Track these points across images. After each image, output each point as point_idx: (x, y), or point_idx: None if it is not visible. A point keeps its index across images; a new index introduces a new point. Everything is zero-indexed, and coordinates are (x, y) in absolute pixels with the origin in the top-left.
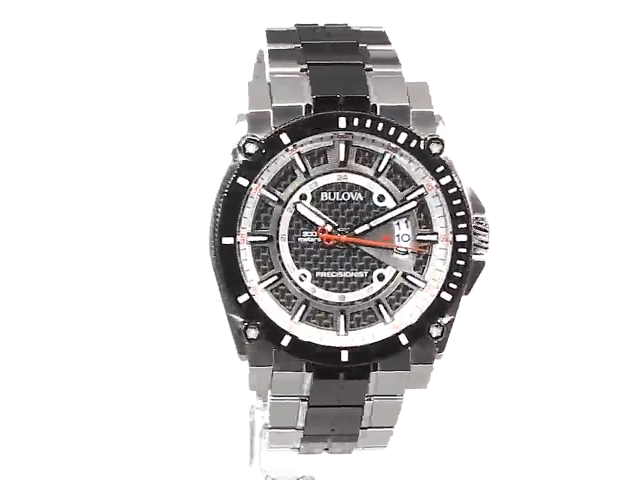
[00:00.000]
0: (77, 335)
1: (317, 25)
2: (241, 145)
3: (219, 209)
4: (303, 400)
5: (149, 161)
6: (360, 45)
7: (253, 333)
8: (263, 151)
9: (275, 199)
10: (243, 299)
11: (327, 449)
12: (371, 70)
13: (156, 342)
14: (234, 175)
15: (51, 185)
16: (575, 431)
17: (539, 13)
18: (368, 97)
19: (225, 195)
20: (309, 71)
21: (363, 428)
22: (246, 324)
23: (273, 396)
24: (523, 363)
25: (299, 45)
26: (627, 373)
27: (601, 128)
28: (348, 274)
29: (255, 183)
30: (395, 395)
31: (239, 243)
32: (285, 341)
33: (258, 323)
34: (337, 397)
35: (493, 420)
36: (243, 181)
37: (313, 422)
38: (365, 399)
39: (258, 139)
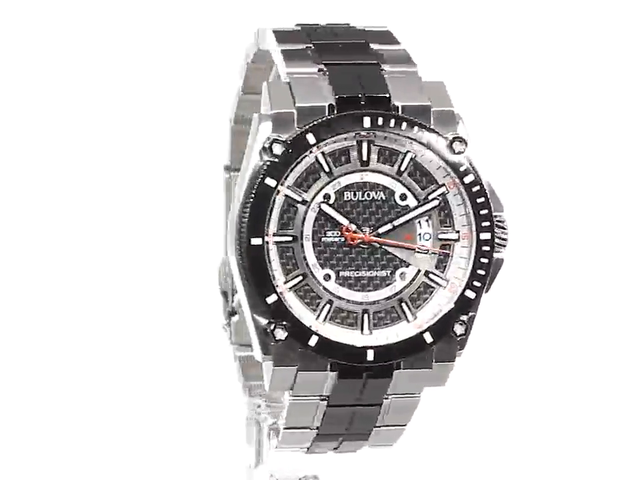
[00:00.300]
0: (74, 335)
1: (318, 24)
2: (267, 146)
3: (247, 210)
4: (322, 399)
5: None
6: (370, 45)
7: (280, 334)
8: (290, 151)
9: (299, 199)
10: (271, 299)
11: (335, 448)
12: (387, 69)
13: (152, 342)
14: (261, 176)
15: (50, 186)
16: (583, 428)
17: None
18: (390, 97)
19: (253, 195)
20: (327, 71)
21: (376, 426)
22: (274, 324)
23: (294, 396)
24: (531, 361)
25: (310, 45)
26: None
27: (604, 124)
28: (371, 273)
29: (282, 183)
30: (414, 394)
31: (267, 243)
32: (312, 340)
33: (285, 323)
34: (358, 396)
35: (500, 419)
36: (270, 182)
37: (330, 421)
38: (384, 397)
39: (284, 139)
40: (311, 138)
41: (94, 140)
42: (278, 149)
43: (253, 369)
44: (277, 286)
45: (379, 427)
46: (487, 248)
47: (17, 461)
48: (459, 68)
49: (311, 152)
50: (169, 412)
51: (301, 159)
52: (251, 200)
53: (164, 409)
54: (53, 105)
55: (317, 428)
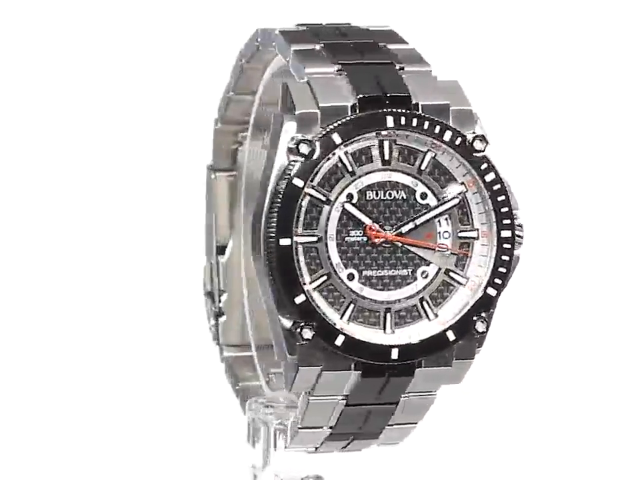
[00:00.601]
0: (55, 339)
1: (320, 24)
2: (294, 146)
3: (275, 210)
4: (342, 399)
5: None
6: (379, 44)
7: (308, 334)
8: (316, 151)
9: (324, 198)
10: (299, 299)
11: (343, 447)
12: (403, 69)
13: (134, 343)
14: (289, 176)
15: (29, 186)
16: (586, 428)
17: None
18: (410, 96)
19: (281, 196)
20: (345, 71)
21: (389, 425)
22: (301, 324)
23: (315, 396)
24: (533, 360)
25: (322, 45)
26: None
27: (605, 122)
28: (393, 272)
29: (308, 183)
30: (431, 392)
31: (296, 242)
32: (339, 340)
33: (312, 323)
34: (377, 395)
35: (505, 419)
36: (298, 182)
37: (345, 420)
38: (402, 396)
39: (311, 139)
40: (336, 138)
41: (79, 139)
42: (305, 149)
43: (243, 370)
44: (304, 285)
45: (391, 425)
46: (507, 245)
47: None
48: (456, 66)
49: (334, 152)
50: (158, 415)
51: (327, 159)
52: (280, 200)
53: (153, 411)
54: (35, 102)
55: (332, 427)
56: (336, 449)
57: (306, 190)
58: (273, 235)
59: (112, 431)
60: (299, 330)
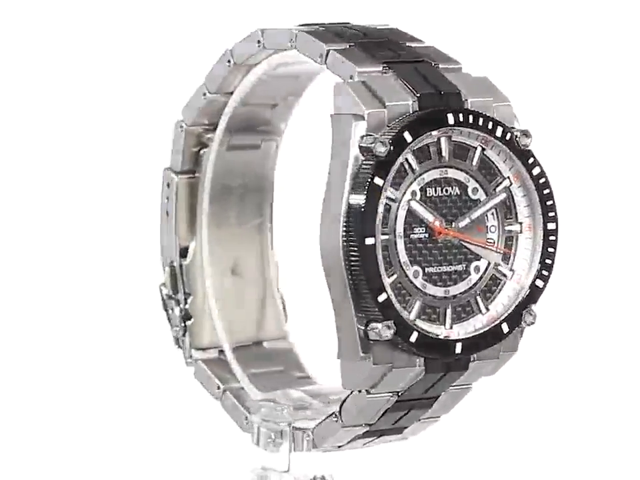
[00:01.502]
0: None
1: (324, 23)
2: (368, 145)
3: (360, 210)
4: (393, 395)
5: None
6: (400, 43)
7: (387, 332)
8: (391, 150)
9: (393, 197)
10: (382, 297)
11: (365, 444)
12: (438, 67)
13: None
14: (370, 175)
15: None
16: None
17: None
18: (462, 93)
19: (365, 195)
20: (392, 70)
21: (418, 420)
22: (381, 323)
23: (374, 394)
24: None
25: (352, 44)
26: None
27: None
28: (450, 268)
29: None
30: (469, 384)
31: (380, 241)
32: (413, 337)
33: (391, 320)
34: (426, 390)
35: (511, 419)
36: (378, 181)
37: (387, 417)
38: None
39: (388, 139)
40: (407, 136)
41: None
42: (382, 149)
43: (218, 372)
44: (385, 285)
45: (420, 420)
46: (553, 238)
47: None
48: None
49: (406, 150)
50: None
51: (399, 158)
52: (364, 200)
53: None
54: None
55: (370, 425)
56: (359, 447)
57: (384, 189)
58: (357, 234)
59: (89, 444)
60: (378, 329)
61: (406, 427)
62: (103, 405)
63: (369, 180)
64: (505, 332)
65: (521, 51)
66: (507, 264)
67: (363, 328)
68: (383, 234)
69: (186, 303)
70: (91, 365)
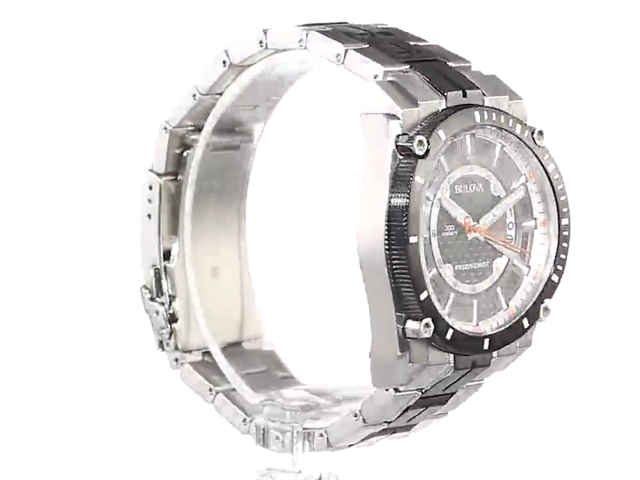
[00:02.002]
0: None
1: (326, 23)
2: (407, 145)
3: (402, 209)
4: (420, 392)
5: None
6: (410, 43)
7: (427, 330)
8: (428, 148)
9: (428, 194)
10: (424, 295)
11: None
12: (452, 66)
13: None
14: (411, 175)
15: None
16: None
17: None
18: (482, 91)
19: (408, 195)
20: (414, 69)
21: (429, 416)
22: (420, 320)
23: (403, 391)
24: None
25: (367, 45)
26: None
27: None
28: (475, 265)
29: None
30: (482, 380)
31: (424, 239)
32: (449, 334)
33: (430, 318)
34: (448, 386)
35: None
36: (419, 180)
37: (406, 415)
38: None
39: (425, 137)
40: (442, 134)
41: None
42: (421, 147)
43: (208, 374)
44: (426, 282)
45: (430, 417)
46: (566, 233)
47: None
48: None
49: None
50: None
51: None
52: (407, 199)
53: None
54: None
55: (388, 422)
56: (369, 444)
57: (424, 187)
58: (401, 233)
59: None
60: (418, 327)
61: (415, 424)
62: (89, 411)
63: (411, 179)
64: (525, 327)
65: (506, 49)
66: (524, 260)
67: (402, 326)
68: (425, 232)
69: (171, 305)
70: (74, 369)
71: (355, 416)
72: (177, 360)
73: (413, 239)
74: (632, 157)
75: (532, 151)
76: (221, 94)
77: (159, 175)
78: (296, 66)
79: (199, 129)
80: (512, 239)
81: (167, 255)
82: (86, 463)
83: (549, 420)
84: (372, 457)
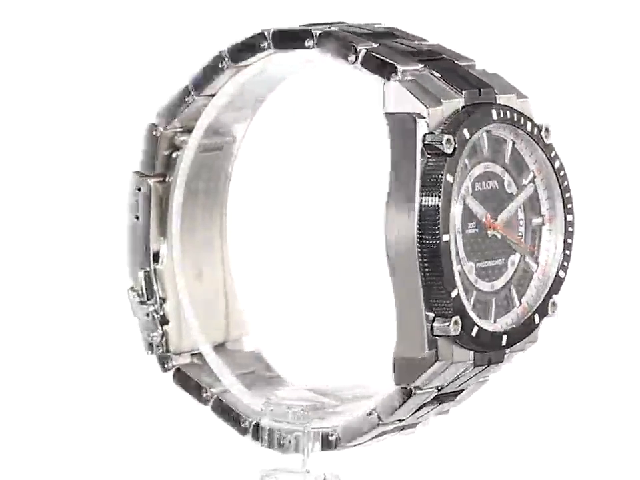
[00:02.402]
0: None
1: (328, 22)
2: (436, 143)
3: (434, 208)
4: (436, 389)
5: None
6: (414, 42)
7: (456, 328)
8: (455, 147)
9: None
10: (454, 293)
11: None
12: (461, 64)
13: None
14: (441, 174)
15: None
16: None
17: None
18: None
19: (440, 193)
20: (430, 68)
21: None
22: (451, 318)
23: (423, 389)
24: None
25: (377, 45)
26: None
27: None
28: (493, 262)
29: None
30: (487, 377)
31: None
32: (474, 331)
33: (459, 316)
34: (462, 383)
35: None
36: (450, 178)
37: (419, 412)
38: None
39: (451, 136)
40: (466, 133)
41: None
42: (449, 146)
43: (201, 376)
44: (456, 280)
45: (436, 413)
46: (570, 229)
47: None
48: None
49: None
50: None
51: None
52: (439, 198)
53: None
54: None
55: (400, 420)
56: (375, 443)
57: (454, 186)
58: (433, 231)
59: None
60: (448, 324)
61: (419, 422)
62: (89, 413)
63: (441, 178)
64: (537, 323)
65: (494, 48)
66: (533, 256)
67: (430, 324)
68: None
69: (162, 307)
70: (62, 377)
71: (369, 414)
72: (167, 363)
73: (445, 237)
74: (631, 156)
75: (541, 148)
76: (213, 95)
77: (147, 176)
78: (291, 66)
79: (188, 130)
80: (522, 236)
81: (156, 257)
82: (86, 464)
83: (549, 419)
84: (371, 457)
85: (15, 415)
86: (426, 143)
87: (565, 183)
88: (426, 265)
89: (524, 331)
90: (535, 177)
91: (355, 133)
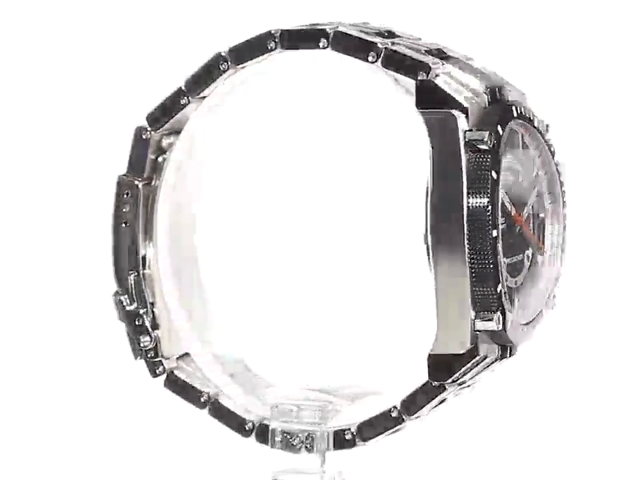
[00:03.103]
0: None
1: (326, 23)
2: (480, 139)
3: (486, 204)
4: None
5: None
6: (414, 41)
7: (498, 323)
8: (494, 142)
9: None
10: (499, 288)
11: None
12: (470, 63)
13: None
14: (488, 170)
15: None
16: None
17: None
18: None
19: (489, 189)
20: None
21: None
22: (494, 313)
23: (457, 383)
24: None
25: (392, 43)
26: None
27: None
28: (513, 258)
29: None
30: (493, 370)
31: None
32: (507, 326)
33: (499, 311)
34: (474, 377)
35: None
36: (494, 175)
37: (438, 406)
38: None
39: (492, 133)
40: (500, 130)
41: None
42: (489, 141)
43: (193, 379)
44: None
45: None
46: (566, 222)
47: None
48: None
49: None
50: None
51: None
52: (487, 195)
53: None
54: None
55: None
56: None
57: (498, 181)
58: (483, 227)
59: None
60: (493, 319)
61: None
62: (89, 415)
63: (488, 174)
64: (544, 316)
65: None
66: (540, 251)
67: (473, 320)
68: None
69: (152, 311)
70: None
71: (391, 411)
72: (158, 367)
73: (494, 233)
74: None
75: (545, 142)
76: (203, 97)
77: (135, 180)
78: (296, 67)
79: (176, 132)
80: (531, 230)
81: (144, 262)
82: (88, 466)
83: (548, 419)
84: (372, 457)
85: (16, 416)
86: (467, 140)
87: (562, 178)
88: (474, 262)
89: (534, 324)
90: (539, 171)
91: (355, 132)
